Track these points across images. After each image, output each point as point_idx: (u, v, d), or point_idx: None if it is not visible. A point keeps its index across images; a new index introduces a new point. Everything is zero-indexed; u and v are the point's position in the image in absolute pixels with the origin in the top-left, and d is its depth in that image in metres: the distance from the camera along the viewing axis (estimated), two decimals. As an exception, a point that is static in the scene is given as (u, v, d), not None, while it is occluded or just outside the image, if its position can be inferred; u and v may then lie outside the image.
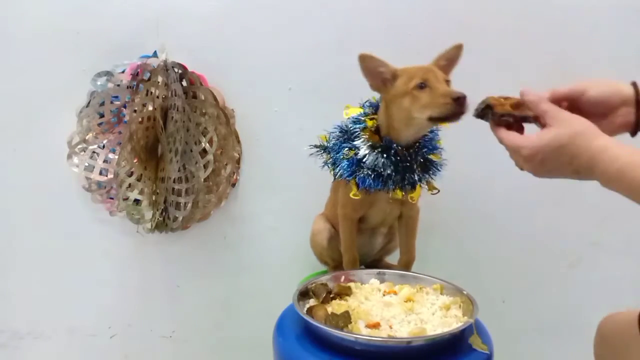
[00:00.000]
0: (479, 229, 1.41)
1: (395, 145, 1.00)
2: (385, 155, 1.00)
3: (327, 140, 1.09)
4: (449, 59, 1.02)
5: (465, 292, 0.95)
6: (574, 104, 0.80)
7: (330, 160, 1.07)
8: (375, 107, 1.07)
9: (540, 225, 1.41)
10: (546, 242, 1.41)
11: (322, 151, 1.09)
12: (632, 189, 0.65)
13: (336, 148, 1.05)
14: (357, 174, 1.01)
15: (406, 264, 1.14)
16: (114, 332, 1.48)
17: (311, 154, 1.09)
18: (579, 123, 0.72)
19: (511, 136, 0.77)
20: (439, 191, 1.04)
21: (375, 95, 1.07)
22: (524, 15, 1.32)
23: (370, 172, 1.00)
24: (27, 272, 1.44)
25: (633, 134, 0.81)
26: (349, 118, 1.07)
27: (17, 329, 1.47)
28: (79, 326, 1.47)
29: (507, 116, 0.79)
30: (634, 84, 0.79)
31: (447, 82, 0.97)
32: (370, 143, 1.01)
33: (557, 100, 0.79)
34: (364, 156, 1.00)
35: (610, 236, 1.41)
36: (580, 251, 1.43)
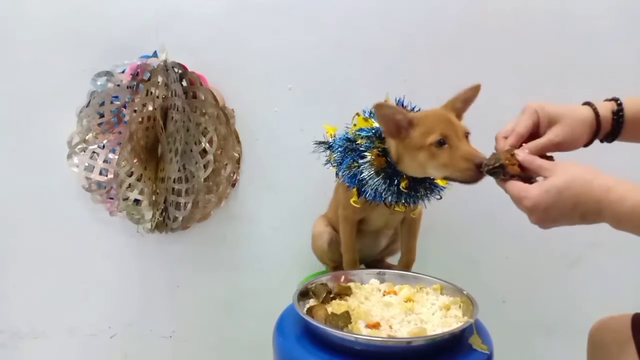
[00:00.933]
0: (479, 229, 1.41)
1: (398, 178, 0.96)
2: (387, 182, 0.96)
3: (332, 136, 1.07)
4: (466, 100, 0.95)
5: (465, 292, 0.94)
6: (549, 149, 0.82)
7: (334, 159, 1.04)
8: None
9: (540, 225, 1.40)
10: (546, 242, 1.41)
11: (326, 148, 1.07)
12: None
13: (340, 154, 1.02)
14: (359, 185, 0.98)
15: (406, 265, 1.14)
16: (114, 332, 1.48)
17: (314, 151, 1.08)
18: (575, 168, 0.71)
19: (515, 187, 0.76)
20: (441, 197, 1.03)
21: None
22: (524, 16, 1.32)
23: (371, 190, 0.97)
24: (27, 272, 1.44)
25: (586, 145, 0.84)
26: (357, 129, 1.01)
27: (17, 329, 1.47)
28: (79, 326, 1.47)
29: (516, 178, 0.78)
30: (597, 115, 0.81)
31: (467, 135, 0.91)
32: (374, 167, 0.97)
33: (538, 152, 0.81)
34: (366, 178, 0.96)
35: (610, 236, 1.39)
36: (580, 251, 1.43)
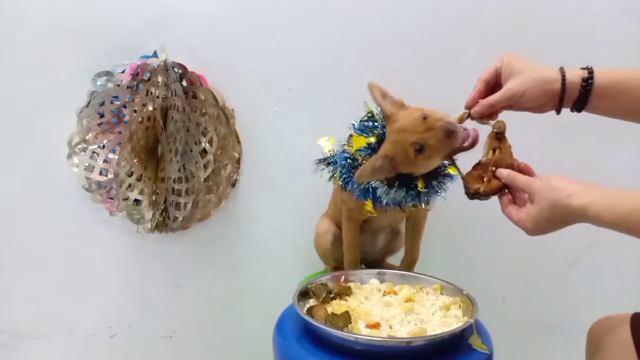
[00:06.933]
0: (479, 229, 1.41)
1: (415, 181, 0.95)
2: (404, 189, 0.95)
3: (330, 151, 1.05)
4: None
5: (465, 292, 0.95)
6: (510, 105, 0.86)
7: (338, 173, 1.02)
8: (378, 134, 0.98)
9: (540, 225, 1.40)
10: (546, 242, 1.40)
11: (327, 165, 1.05)
12: (633, 233, 0.70)
13: (346, 173, 1.00)
14: (373, 196, 0.97)
15: (408, 265, 1.14)
16: (114, 332, 1.48)
17: (317, 166, 1.06)
18: (549, 191, 0.75)
19: (508, 211, 0.85)
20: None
21: (371, 107, 1.01)
22: (524, 16, 1.32)
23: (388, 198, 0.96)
24: (27, 272, 1.44)
25: (557, 112, 0.86)
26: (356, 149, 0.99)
27: (17, 329, 1.47)
28: (79, 326, 1.47)
29: (497, 193, 0.86)
30: (563, 78, 0.82)
31: (424, 119, 0.87)
32: (385, 181, 0.96)
33: (496, 107, 0.85)
34: (382, 194, 0.96)
35: (610, 236, 1.39)
36: (580, 251, 1.43)
